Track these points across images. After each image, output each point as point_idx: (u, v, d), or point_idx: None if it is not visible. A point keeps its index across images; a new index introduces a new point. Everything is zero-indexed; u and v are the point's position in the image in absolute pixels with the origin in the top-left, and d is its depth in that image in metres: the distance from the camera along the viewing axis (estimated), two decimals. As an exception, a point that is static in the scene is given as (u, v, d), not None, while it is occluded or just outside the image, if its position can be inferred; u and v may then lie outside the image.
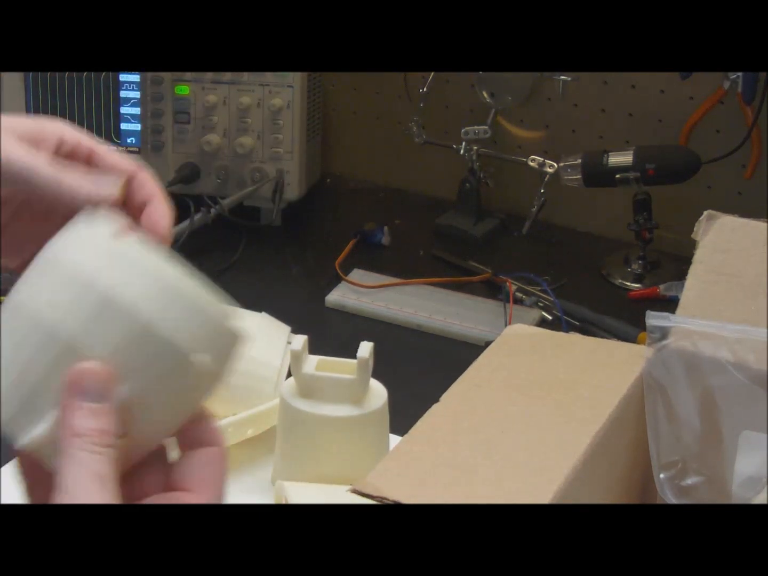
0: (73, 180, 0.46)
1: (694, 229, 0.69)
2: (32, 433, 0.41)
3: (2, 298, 1.07)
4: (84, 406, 0.40)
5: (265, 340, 0.88)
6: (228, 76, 1.23)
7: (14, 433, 0.42)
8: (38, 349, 0.41)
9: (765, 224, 0.68)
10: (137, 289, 0.41)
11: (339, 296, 1.14)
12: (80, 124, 1.28)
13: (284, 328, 0.93)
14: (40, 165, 0.45)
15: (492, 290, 1.16)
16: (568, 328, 1.08)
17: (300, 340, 0.74)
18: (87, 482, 0.38)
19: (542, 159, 1.23)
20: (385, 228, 1.29)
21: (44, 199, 0.46)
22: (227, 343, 0.44)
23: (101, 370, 0.40)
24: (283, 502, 0.66)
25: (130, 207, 0.48)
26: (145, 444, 0.43)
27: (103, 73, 1.24)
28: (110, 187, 0.47)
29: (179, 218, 1.15)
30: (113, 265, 0.42)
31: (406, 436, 0.56)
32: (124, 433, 0.41)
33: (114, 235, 0.43)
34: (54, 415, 0.41)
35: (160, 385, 0.42)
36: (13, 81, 1.26)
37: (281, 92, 1.25)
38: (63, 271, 0.42)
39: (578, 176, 1.19)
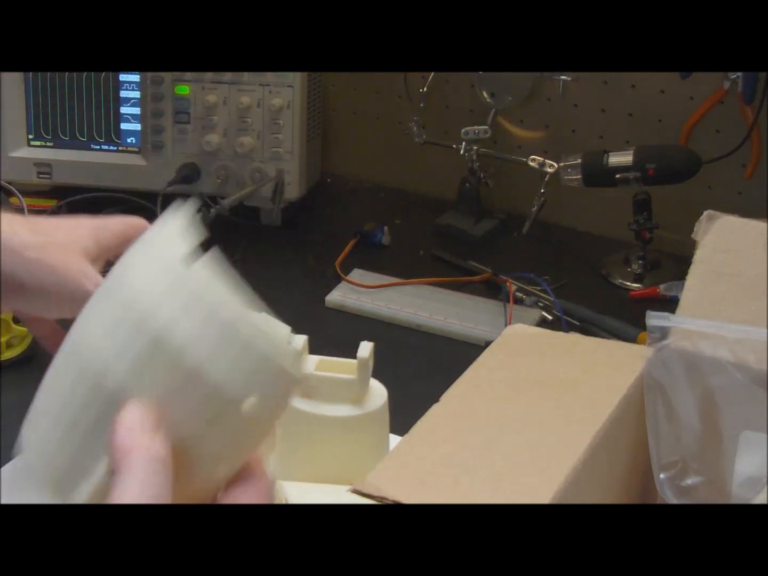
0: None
1: (694, 229, 0.69)
2: (84, 490, 0.40)
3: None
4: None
5: None
6: (228, 76, 1.23)
7: (64, 491, 0.40)
8: (87, 399, 0.40)
9: (765, 224, 0.68)
10: (190, 328, 0.39)
11: (339, 296, 1.14)
12: (80, 124, 1.28)
13: (284, 329, 0.93)
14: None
15: (492, 290, 1.16)
16: (568, 328, 1.08)
17: (300, 340, 0.74)
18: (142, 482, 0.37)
19: (542, 159, 1.23)
20: (385, 228, 1.29)
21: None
22: (282, 386, 0.42)
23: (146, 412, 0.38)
24: (283, 502, 0.66)
25: None
26: (199, 491, 0.41)
27: (103, 73, 1.24)
28: None
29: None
30: (172, 298, 0.39)
31: (406, 436, 0.56)
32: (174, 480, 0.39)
33: (181, 257, 0.40)
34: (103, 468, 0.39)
35: (211, 431, 0.40)
36: (13, 81, 1.26)
37: (281, 92, 1.25)
38: (120, 302, 0.40)
39: (578, 176, 1.19)
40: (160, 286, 0.39)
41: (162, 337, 0.39)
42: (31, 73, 1.25)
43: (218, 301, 0.40)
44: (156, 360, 0.39)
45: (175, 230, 0.42)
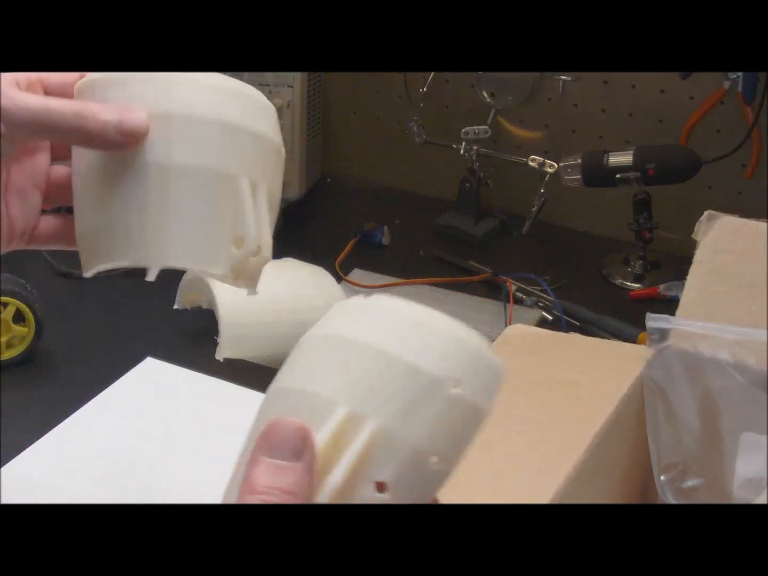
0: (98, 112, 0.43)
1: (694, 229, 0.69)
2: None
3: (2, 298, 1.06)
4: (267, 462, 0.37)
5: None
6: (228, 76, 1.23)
7: None
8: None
9: (765, 224, 0.68)
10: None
11: (339, 296, 1.14)
12: (80, 123, 1.28)
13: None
14: (55, 103, 0.42)
15: (492, 290, 1.16)
16: (568, 328, 1.08)
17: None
18: None
19: (542, 159, 1.23)
20: (385, 228, 1.29)
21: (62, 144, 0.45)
22: (487, 374, 0.41)
23: (296, 427, 0.37)
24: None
25: None
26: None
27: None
28: (140, 113, 0.44)
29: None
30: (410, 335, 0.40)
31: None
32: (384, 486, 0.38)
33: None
34: None
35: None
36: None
37: (281, 92, 1.24)
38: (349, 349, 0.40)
39: (578, 176, 1.19)
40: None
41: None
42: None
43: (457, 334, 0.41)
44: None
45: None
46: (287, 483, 0.36)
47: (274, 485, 0.36)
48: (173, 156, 0.44)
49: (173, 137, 0.44)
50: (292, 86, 1.24)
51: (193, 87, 0.45)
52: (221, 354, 1.00)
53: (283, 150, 0.50)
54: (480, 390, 0.40)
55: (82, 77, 0.46)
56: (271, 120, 0.50)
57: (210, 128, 0.45)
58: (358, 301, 0.42)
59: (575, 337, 0.83)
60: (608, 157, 1.17)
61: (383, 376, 0.39)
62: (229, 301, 0.99)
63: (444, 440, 0.39)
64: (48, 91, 0.46)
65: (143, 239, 0.44)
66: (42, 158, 0.50)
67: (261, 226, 0.48)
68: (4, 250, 0.49)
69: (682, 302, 0.66)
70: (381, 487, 0.38)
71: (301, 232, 1.32)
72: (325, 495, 0.37)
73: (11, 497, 0.83)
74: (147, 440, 0.92)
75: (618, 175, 1.16)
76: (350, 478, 0.37)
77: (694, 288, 0.67)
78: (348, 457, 0.37)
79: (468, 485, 0.51)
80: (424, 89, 1.36)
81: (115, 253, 0.45)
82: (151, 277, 0.44)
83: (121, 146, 0.44)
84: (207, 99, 0.45)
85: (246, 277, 0.48)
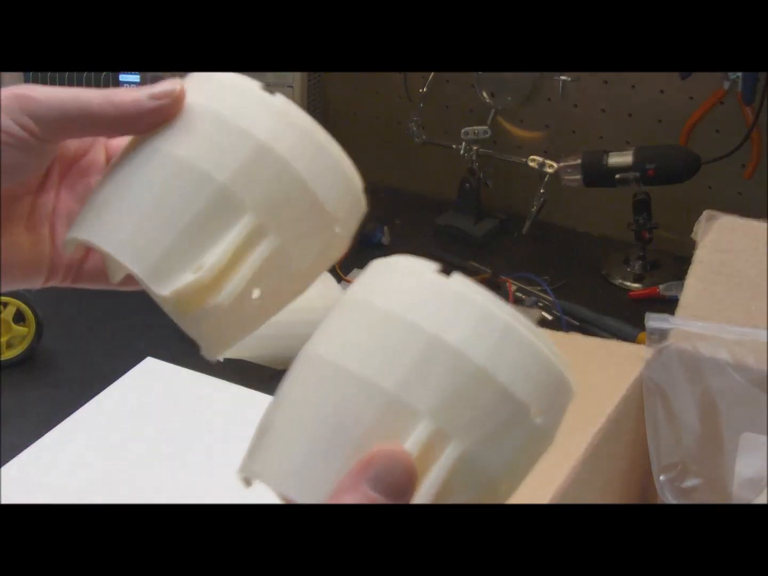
0: (126, 92, 0.41)
1: (694, 229, 0.69)
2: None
3: (2, 298, 1.06)
4: (367, 492, 0.35)
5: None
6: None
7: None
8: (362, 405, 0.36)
9: (765, 224, 0.68)
10: (465, 330, 0.37)
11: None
12: (80, 123, 1.28)
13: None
14: (83, 91, 0.41)
15: (492, 290, 1.15)
16: (568, 328, 1.08)
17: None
18: None
19: (542, 159, 1.23)
20: (385, 228, 1.29)
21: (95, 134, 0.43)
22: (563, 400, 0.39)
23: (407, 467, 0.35)
24: None
25: None
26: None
27: (103, 73, 1.24)
28: (170, 86, 0.41)
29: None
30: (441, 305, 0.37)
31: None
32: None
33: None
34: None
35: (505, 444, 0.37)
36: (13, 81, 1.26)
37: (281, 92, 1.24)
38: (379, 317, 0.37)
39: (578, 176, 1.19)
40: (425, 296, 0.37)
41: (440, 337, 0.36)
42: (31, 73, 1.25)
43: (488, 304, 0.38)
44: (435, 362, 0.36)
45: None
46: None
47: None
48: (183, 149, 0.40)
49: (198, 133, 0.40)
50: (292, 86, 1.24)
51: (241, 92, 0.42)
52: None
53: (339, 230, 0.42)
54: (555, 418, 0.38)
55: None
56: (339, 187, 0.42)
57: (243, 141, 0.40)
58: (429, 275, 0.38)
59: (575, 337, 0.83)
60: (608, 157, 1.17)
61: (476, 395, 0.36)
62: (229, 301, 0.99)
63: (519, 469, 0.38)
64: None
65: (113, 218, 0.40)
66: (95, 181, 0.46)
67: (233, 269, 0.40)
68: (42, 285, 0.46)
69: (681, 302, 0.66)
70: None
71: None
72: None
73: (11, 497, 0.83)
74: (147, 440, 0.92)
75: (618, 176, 1.16)
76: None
77: (694, 288, 0.67)
78: (429, 485, 0.35)
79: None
80: (424, 89, 1.36)
81: (80, 224, 0.41)
82: (103, 249, 0.40)
83: (158, 114, 0.41)
84: (262, 116, 0.41)
85: (190, 320, 0.40)
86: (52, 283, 0.47)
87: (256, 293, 0.40)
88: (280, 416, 0.38)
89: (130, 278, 0.45)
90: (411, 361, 0.36)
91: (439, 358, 0.36)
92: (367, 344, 0.37)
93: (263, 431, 0.38)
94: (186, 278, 0.39)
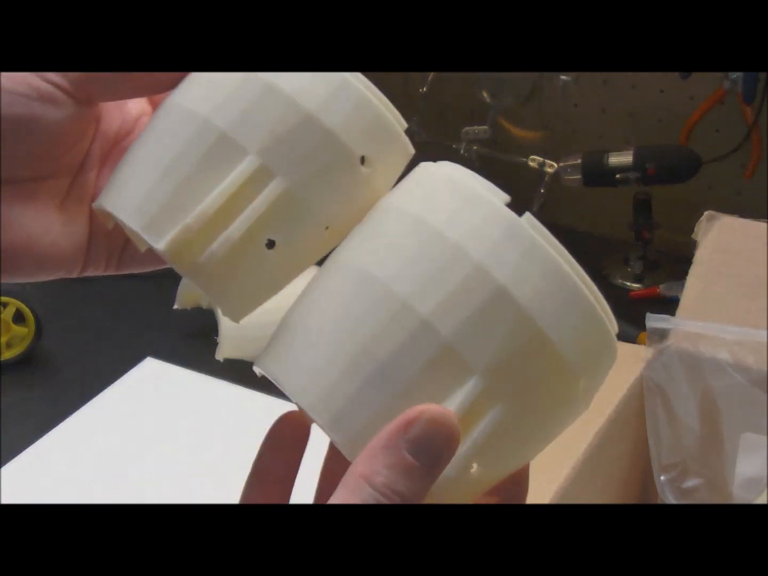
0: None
1: (694, 229, 0.69)
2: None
3: (2, 298, 1.06)
4: (404, 457, 0.32)
5: None
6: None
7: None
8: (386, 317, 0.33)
9: (765, 224, 0.68)
10: (531, 287, 0.35)
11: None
12: (80, 123, 1.28)
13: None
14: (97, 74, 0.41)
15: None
16: (568, 328, 1.08)
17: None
18: None
19: (542, 159, 1.23)
20: (385, 228, 1.29)
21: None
22: (608, 364, 0.38)
23: (450, 435, 0.32)
24: None
25: None
26: (496, 477, 0.37)
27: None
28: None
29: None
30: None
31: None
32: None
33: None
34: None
35: (543, 406, 0.35)
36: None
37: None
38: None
39: (578, 176, 1.19)
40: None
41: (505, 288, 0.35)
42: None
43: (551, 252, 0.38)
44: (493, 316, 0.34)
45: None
46: (408, 488, 0.33)
47: (396, 488, 0.33)
48: (188, 100, 0.39)
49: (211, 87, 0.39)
50: (292, 86, 1.24)
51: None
52: (221, 354, 1.00)
53: (357, 165, 0.40)
54: (597, 384, 0.39)
55: None
56: (376, 133, 0.42)
57: (250, 85, 0.39)
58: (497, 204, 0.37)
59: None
60: (608, 157, 1.17)
61: (529, 361, 0.34)
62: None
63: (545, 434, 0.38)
64: None
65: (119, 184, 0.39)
66: None
67: (231, 211, 0.37)
68: (81, 273, 0.42)
69: (682, 302, 0.66)
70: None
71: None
72: (433, 496, 0.34)
73: (11, 497, 0.83)
74: (147, 440, 0.92)
75: (618, 175, 1.16)
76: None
77: (694, 288, 0.67)
78: (464, 455, 0.33)
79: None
80: (424, 89, 1.36)
81: (101, 194, 0.40)
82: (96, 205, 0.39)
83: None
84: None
85: (187, 266, 0.37)
86: (92, 272, 0.43)
87: (266, 239, 0.37)
88: (314, 321, 0.35)
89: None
90: (471, 311, 0.33)
91: (503, 314, 0.33)
92: (423, 274, 0.34)
93: (291, 329, 0.36)
94: (176, 228, 0.36)
